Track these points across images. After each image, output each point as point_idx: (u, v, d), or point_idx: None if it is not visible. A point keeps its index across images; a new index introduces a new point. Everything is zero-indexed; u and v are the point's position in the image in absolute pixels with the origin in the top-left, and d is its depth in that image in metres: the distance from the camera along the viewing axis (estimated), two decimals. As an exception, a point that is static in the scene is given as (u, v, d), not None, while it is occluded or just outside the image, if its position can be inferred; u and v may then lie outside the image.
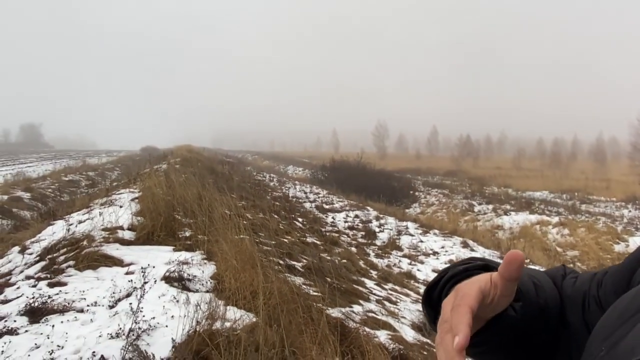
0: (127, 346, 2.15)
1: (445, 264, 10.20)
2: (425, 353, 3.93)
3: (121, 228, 5.14)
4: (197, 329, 2.48)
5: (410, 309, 5.94)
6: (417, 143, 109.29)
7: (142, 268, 2.66)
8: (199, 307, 2.67)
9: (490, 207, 22.43)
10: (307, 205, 16.64)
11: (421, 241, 11.96)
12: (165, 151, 25.14)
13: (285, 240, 7.78)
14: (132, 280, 3.28)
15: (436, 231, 13.45)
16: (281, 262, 5.44)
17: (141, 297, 2.43)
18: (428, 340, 4.60)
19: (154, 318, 2.67)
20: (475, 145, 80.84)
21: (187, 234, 5.26)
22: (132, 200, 6.91)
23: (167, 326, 2.66)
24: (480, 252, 11.28)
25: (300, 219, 12.10)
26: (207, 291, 3.52)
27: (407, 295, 6.99)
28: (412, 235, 12.50)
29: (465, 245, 11.90)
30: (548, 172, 56.09)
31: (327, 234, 11.00)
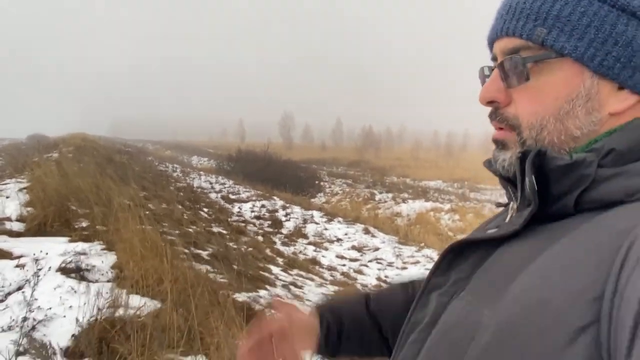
0: (21, 337, 2.05)
1: (349, 249, 10.66)
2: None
3: (8, 219, 4.76)
4: (99, 317, 2.43)
5: (315, 292, 6.17)
6: (322, 134, 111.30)
7: (34, 256, 2.52)
8: (100, 295, 2.60)
9: (390, 195, 23.62)
10: (213, 195, 16.36)
11: (326, 229, 12.33)
12: (56, 139, 23.18)
13: (190, 230, 7.66)
14: (24, 271, 3.10)
15: (340, 219, 13.91)
16: (186, 250, 5.38)
17: (35, 284, 2.32)
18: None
19: (50, 309, 2.56)
20: (377, 137, 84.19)
21: (84, 224, 5.01)
22: (20, 190, 6.39)
23: (65, 316, 2.57)
24: (381, 238, 11.90)
25: (205, 209, 11.91)
26: (108, 281, 3.42)
27: (312, 280, 7.22)
28: (317, 224, 12.84)
29: (367, 231, 12.47)
30: (442, 163, 60.12)
31: (234, 223, 10.96)
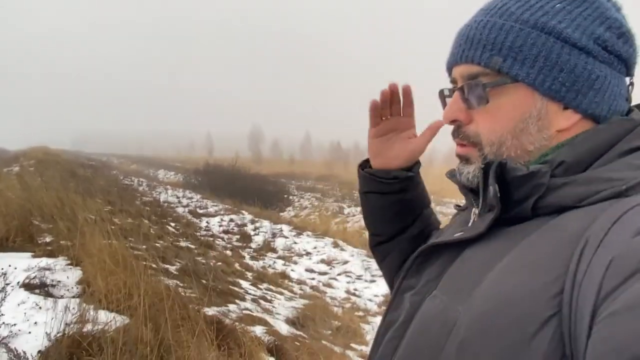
0: (-14, 353, 2.01)
1: (318, 263, 10.69)
2: (297, 344, 4.16)
3: (-33, 235, 4.60)
4: (66, 332, 2.39)
5: (285, 305, 6.18)
6: (291, 148, 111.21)
7: (2, 270, 2.47)
8: (67, 309, 2.56)
9: (359, 209, 23.73)
10: (180, 210, 16.12)
11: (295, 243, 12.34)
12: (17, 153, 22.45)
13: (158, 244, 7.55)
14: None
15: (309, 233, 13.94)
16: (154, 265, 5.31)
17: (3, 300, 2.27)
18: (301, 333, 4.86)
19: (15, 325, 2.50)
20: (345, 151, 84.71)
21: (48, 239, 4.89)
22: (-22, 205, 6.18)
23: (30, 332, 2.51)
24: (350, 252, 11.98)
25: (173, 224, 11.74)
26: (74, 296, 3.36)
27: (281, 293, 7.22)
28: (287, 237, 12.83)
29: (336, 245, 12.54)
30: (410, 177, 60.60)
31: (202, 238, 10.84)
